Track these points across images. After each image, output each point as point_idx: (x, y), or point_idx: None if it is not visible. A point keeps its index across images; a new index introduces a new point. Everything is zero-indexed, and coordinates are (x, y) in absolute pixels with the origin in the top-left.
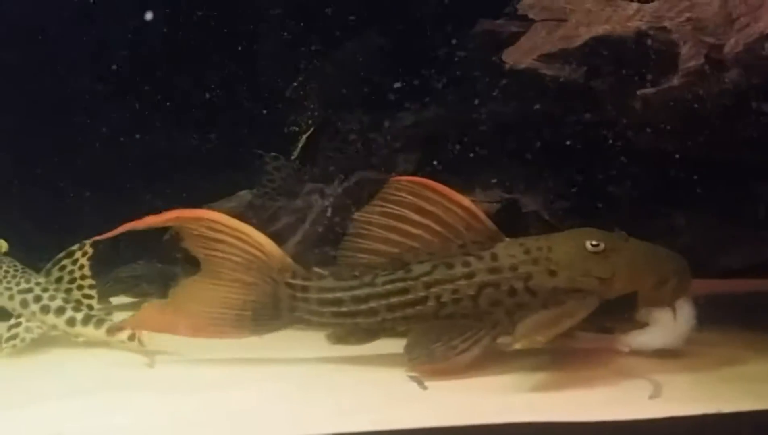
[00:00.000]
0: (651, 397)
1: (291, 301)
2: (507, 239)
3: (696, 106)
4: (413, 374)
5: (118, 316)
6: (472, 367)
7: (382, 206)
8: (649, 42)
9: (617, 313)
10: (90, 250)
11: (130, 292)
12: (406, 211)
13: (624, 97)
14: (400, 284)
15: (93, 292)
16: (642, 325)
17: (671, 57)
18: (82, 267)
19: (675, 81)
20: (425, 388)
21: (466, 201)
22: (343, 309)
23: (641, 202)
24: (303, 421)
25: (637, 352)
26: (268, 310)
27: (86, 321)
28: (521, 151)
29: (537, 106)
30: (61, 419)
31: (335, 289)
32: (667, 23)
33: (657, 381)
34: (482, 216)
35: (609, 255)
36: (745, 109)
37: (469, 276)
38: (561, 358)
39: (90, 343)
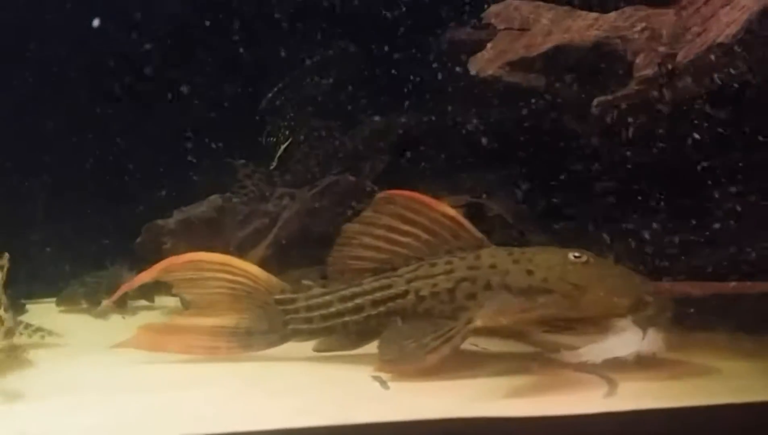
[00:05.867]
0: (606, 395)
1: (282, 316)
2: (493, 246)
3: (650, 112)
4: (376, 374)
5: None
6: (438, 370)
7: (370, 218)
8: (606, 51)
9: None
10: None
11: (92, 298)
12: (394, 222)
13: (582, 104)
14: (384, 281)
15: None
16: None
17: (628, 65)
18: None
19: (630, 88)
20: (387, 388)
21: (451, 211)
22: (332, 310)
23: (600, 205)
24: (263, 417)
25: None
26: (262, 330)
27: None
28: (485, 155)
29: (500, 113)
30: (25, 419)
31: (323, 294)
32: (624, 33)
33: (612, 380)
34: (468, 224)
35: (589, 268)
36: (697, 115)
37: (449, 272)
38: (519, 359)
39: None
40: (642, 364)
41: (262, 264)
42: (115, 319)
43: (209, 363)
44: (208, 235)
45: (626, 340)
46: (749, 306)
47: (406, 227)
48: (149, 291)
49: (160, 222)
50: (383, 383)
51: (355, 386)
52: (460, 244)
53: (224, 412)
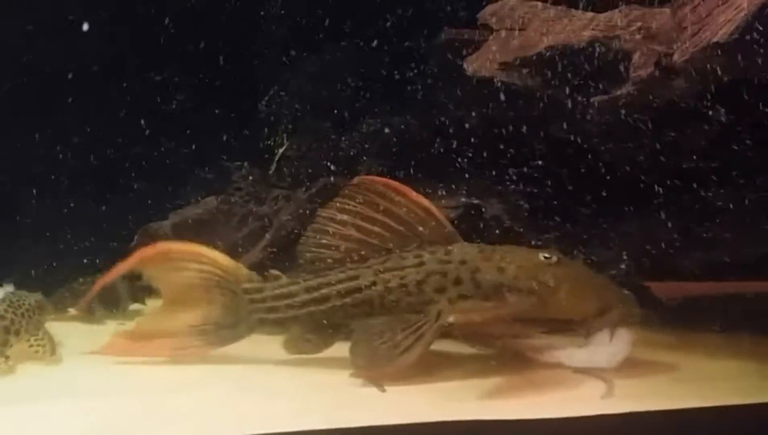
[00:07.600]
0: (603, 396)
1: (249, 305)
2: (463, 242)
3: (646, 112)
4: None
5: None
6: (421, 370)
7: (343, 203)
8: (603, 50)
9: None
10: None
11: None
12: (367, 209)
13: (579, 104)
14: (351, 272)
15: None
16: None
17: (624, 65)
18: None
19: (626, 88)
20: (384, 390)
21: (425, 202)
22: (297, 300)
23: (597, 206)
24: (254, 422)
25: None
26: (230, 320)
27: None
28: (482, 156)
29: (496, 113)
30: (21, 423)
31: (289, 284)
32: (620, 32)
33: (610, 381)
34: (441, 217)
35: (559, 269)
36: (693, 115)
37: (419, 265)
38: (515, 360)
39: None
40: (638, 364)
41: (258, 266)
42: (107, 324)
43: (196, 366)
44: (203, 237)
45: (607, 351)
46: (747, 306)
47: (378, 215)
48: (141, 294)
49: (155, 224)
50: (379, 386)
51: (345, 389)
52: (430, 236)
53: (216, 415)
